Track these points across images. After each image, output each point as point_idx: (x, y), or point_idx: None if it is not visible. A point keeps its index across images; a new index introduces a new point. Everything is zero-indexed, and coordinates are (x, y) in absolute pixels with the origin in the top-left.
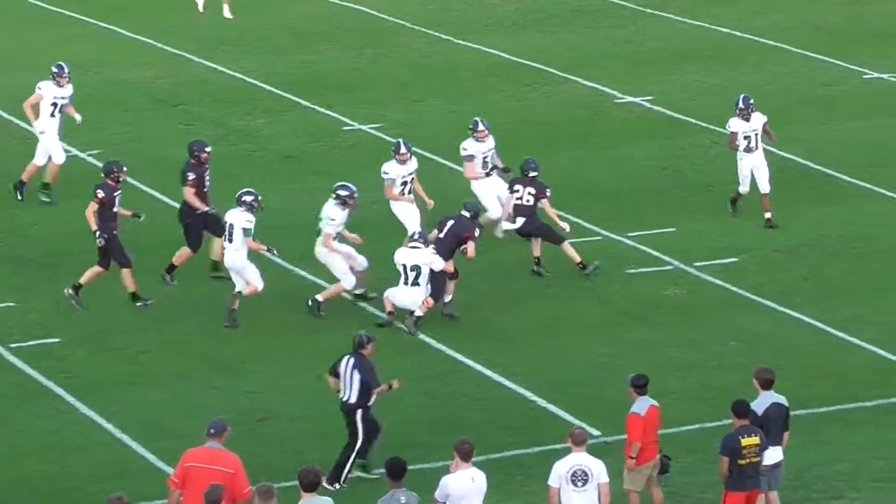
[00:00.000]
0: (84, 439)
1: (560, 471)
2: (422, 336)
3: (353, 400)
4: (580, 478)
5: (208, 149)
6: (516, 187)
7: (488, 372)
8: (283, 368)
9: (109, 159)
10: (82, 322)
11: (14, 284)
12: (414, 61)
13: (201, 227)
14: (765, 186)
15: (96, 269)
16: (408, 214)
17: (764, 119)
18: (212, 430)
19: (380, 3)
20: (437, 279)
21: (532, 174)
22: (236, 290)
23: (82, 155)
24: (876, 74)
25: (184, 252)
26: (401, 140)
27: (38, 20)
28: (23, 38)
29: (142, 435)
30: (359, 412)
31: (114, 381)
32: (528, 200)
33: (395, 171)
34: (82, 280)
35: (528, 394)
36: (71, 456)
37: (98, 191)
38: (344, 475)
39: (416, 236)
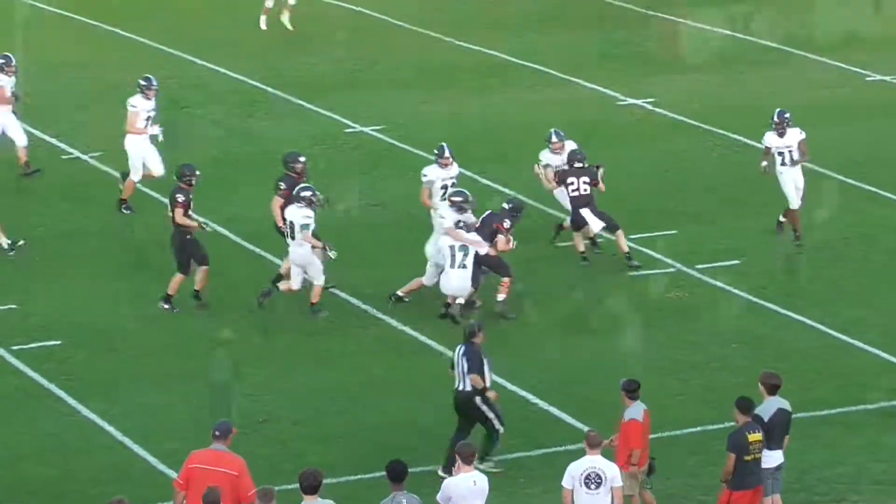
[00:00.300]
0: (85, 442)
1: (574, 472)
2: (423, 338)
3: (469, 388)
4: (593, 480)
5: (302, 159)
6: (570, 180)
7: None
8: (283, 370)
9: (182, 163)
10: (83, 324)
11: (16, 286)
12: (415, 63)
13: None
14: (801, 194)
15: (203, 269)
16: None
17: (801, 136)
18: (217, 432)
19: (379, 4)
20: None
21: (578, 164)
22: (284, 284)
23: (84, 157)
24: (879, 76)
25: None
26: (444, 144)
27: (38, 21)
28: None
29: (143, 437)
30: (477, 399)
31: (115, 384)
32: (584, 190)
33: (435, 175)
34: (197, 287)
35: (530, 396)
36: (72, 459)
37: (178, 195)
38: (491, 454)
39: (460, 224)
